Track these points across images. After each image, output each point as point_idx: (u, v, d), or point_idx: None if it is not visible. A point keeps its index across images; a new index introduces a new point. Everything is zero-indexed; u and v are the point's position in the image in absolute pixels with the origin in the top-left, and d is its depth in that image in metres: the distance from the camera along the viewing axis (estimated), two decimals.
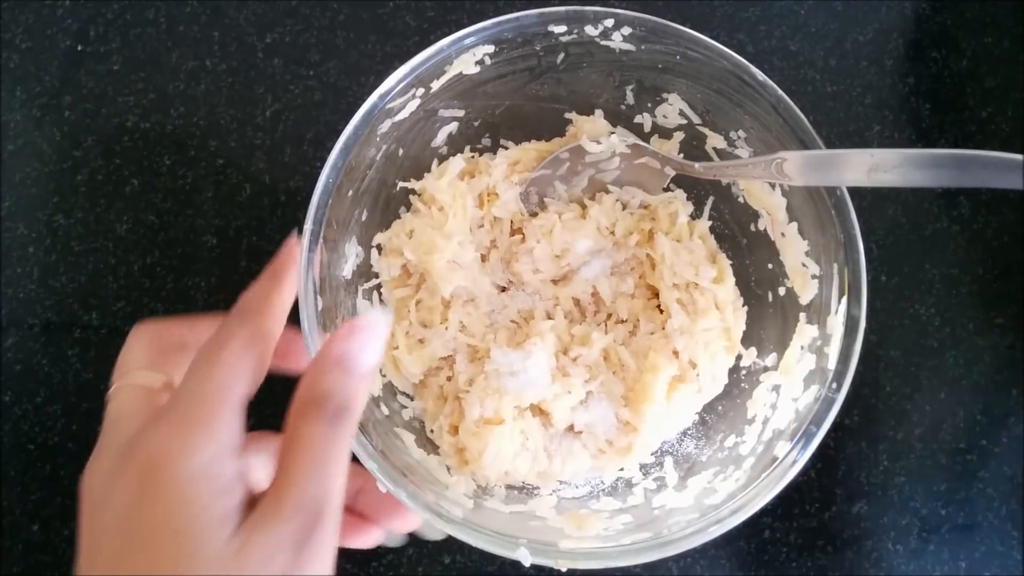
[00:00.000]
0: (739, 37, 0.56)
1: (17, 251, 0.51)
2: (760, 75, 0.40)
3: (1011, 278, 0.53)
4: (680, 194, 0.47)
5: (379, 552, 0.47)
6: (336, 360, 0.30)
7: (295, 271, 0.35)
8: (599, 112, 0.47)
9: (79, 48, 0.55)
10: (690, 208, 0.47)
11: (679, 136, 0.46)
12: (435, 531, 0.44)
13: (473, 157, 0.48)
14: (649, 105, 0.46)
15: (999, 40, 0.57)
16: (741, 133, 0.43)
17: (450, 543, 0.42)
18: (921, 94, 0.56)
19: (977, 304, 0.52)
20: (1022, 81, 0.56)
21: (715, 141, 0.45)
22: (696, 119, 0.45)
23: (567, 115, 0.47)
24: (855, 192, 0.52)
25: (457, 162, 0.46)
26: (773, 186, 0.43)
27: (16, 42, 0.55)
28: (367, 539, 0.38)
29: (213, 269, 0.51)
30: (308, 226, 0.36)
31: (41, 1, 0.55)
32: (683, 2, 0.57)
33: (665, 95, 0.45)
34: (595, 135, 0.46)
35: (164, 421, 0.29)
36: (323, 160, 0.53)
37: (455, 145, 0.47)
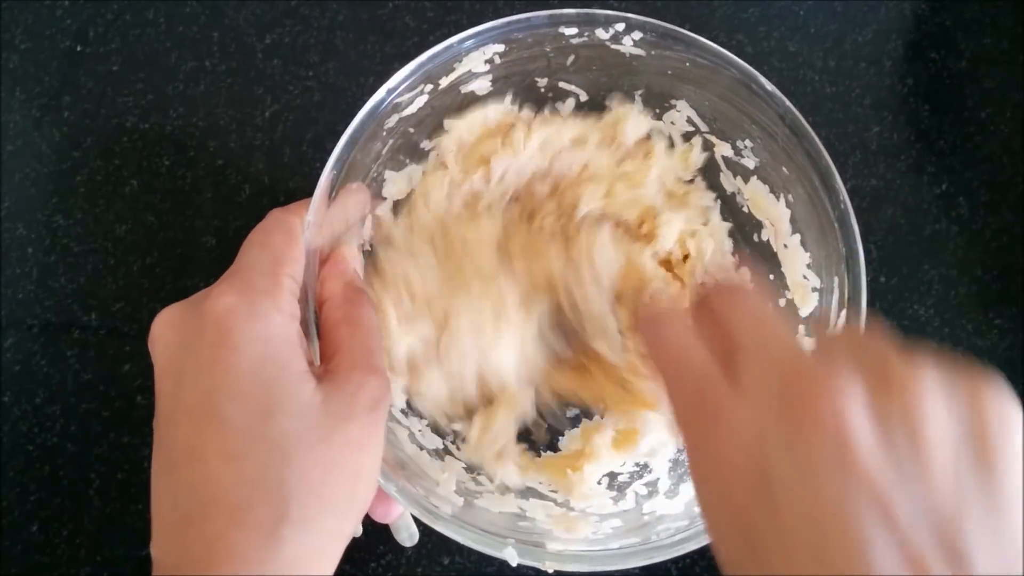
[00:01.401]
0: (738, 38, 0.56)
1: (16, 252, 0.51)
2: (769, 85, 0.40)
3: (1010, 279, 0.53)
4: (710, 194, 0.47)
5: (378, 552, 0.47)
6: (354, 270, 0.37)
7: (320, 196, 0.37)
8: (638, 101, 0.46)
9: (78, 49, 0.55)
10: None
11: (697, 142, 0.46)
12: (407, 535, 0.44)
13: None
14: (657, 111, 0.46)
15: (998, 41, 0.57)
16: (748, 142, 0.43)
17: (448, 544, 0.42)
18: (920, 95, 0.56)
19: (976, 305, 0.52)
20: (1021, 82, 0.56)
21: (722, 149, 0.45)
22: (704, 127, 0.45)
23: (607, 102, 0.46)
24: (853, 193, 0.53)
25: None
26: (777, 196, 0.43)
27: (15, 42, 0.55)
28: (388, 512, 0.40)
29: (212, 270, 0.51)
30: (310, 219, 0.36)
31: (40, 2, 0.55)
32: (682, 2, 0.57)
33: (674, 101, 0.45)
34: (636, 128, 0.45)
35: (226, 285, 0.31)
36: (323, 161, 0.53)
37: None
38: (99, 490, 0.47)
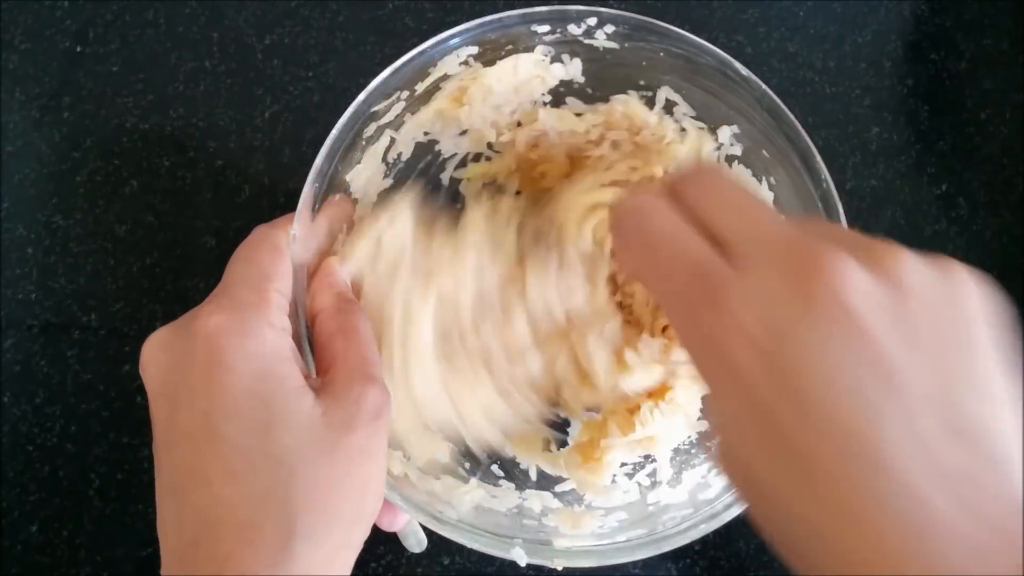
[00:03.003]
0: (738, 39, 0.56)
1: (16, 252, 0.51)
2: (743, 70, 0.40)
3: (1010, 279, 0.53)
4: None
5: (378, 553, 0.47)
6: (343, 280, 0.36)
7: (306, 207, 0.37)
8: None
9: (78, 49, 0.55)
10: None
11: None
12: (415, 541, 0.44)
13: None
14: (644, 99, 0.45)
15: (998, 42, 0.57)
16: (727, 129, 0.43)
17: (448, 544, 0.42)
18: (920, 96, 0.56)
19: None
20: (1021, 83, 0.56)
21: (722, 136, 0.44)
22: (692, 113, 0.45)
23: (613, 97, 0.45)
24: (854, 193, 0.53)
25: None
26: (760, 180, 0.43)
27: (15, 43, 0.55)
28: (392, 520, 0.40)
29: (212, 270, 0.51)
30: (295, 232, 0.35)
31: (40, 2, 0.55)
32: (682, 3, 0.57)
33: (652, 92, 0.45)
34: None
35: (215, 304, 0.31)
36: None
37: None
38: (99, 490, 0.47)
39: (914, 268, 0.24)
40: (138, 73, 0.54)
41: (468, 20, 0.56)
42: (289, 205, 0.52)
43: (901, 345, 0.23)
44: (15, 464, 0.48)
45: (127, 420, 0.48)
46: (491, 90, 0.43)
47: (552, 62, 0.44)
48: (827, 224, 0.28)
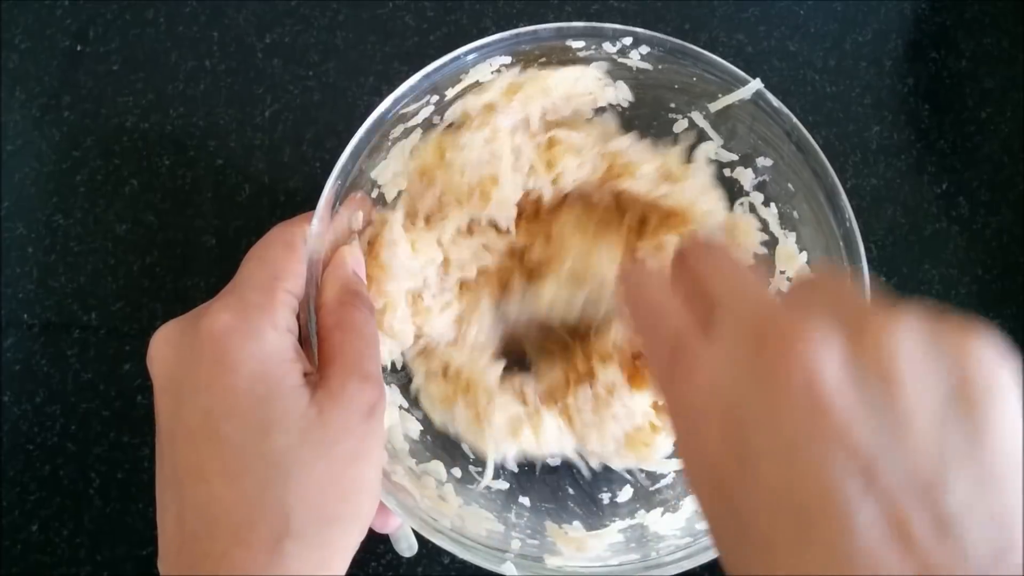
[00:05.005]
0: (738, 38, 0.56)
1: (16, 251, 0.51)
2: (775, 101, 0.40)
3: (1010, 279, 0.53)
4: None
5: (378, 552, 0.47)
6: (352, 271, 0.36)
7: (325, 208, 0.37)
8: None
9: (78, 48, 0.55)
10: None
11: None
12: (406, 545, 0.44)
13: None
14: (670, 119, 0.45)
15: (998, 41, 0.57)
16: (757, 160, 0.43)
17: None
18: (920, 94, 0.56)
19: (976, 305, 0.52)
20: (1021, 81, 0.56)
21: (742, 176, 0.44)
22: (719, 139, 0.45)
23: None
24: (855, 192, 0.52)
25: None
26: (783, 217, 0.43)
27: (15, 42, 0.55)
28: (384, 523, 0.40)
29: (212, 269, 0.51)
30: (313, 229, 0.35)
31: (40, 1, 0.55)
32: (682, 2, 0.57)
33: (680, 116, 0.44)
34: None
35: (222, 303, 0.31)
36: (323, 160, 0.53)
37: None
38: (99, 490, 0.47)
39: (907, 344, 0.21)
40: (138, 72, 0.54)
41: (468, 19, 0.56)
42: (289, 204, 0.52)
43: (876, 431, 0.21)
44: (15, 463, 0.48)
45: (127, 419, 0.48)
46: (548, 92, 0.43)
47: (604, 86, 0.44)
48: (829, 285, 0.25)
